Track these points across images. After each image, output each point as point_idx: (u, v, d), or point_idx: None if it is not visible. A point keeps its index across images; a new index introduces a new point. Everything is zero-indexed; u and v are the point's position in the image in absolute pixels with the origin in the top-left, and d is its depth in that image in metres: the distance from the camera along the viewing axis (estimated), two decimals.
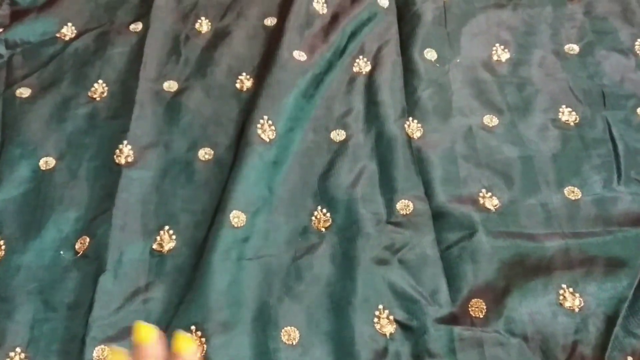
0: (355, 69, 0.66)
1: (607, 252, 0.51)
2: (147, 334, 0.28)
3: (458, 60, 0.67)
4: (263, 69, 0.64)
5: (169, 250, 0.52)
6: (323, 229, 0.53)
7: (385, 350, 0.46)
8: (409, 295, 0.49)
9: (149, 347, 0.28)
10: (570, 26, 0.70)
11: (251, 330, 0.47)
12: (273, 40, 0.67)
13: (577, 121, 0.62)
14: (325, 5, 0.70)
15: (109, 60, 0.66)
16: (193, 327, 0.46)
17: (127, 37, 0.68)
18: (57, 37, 0.69)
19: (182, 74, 0.65)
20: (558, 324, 0.48)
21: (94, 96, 0.63)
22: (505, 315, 0.48)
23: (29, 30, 0.69)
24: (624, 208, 0.54)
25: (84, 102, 0.63)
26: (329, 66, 0.65)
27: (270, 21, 0.70)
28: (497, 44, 0.69)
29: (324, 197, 0.55)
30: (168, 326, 0.47)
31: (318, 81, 0.64)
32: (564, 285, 0.49)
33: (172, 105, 0.62)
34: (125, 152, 0.57)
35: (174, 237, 0.53)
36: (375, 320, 0.48)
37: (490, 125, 0.62)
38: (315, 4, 0.70)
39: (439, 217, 0.54)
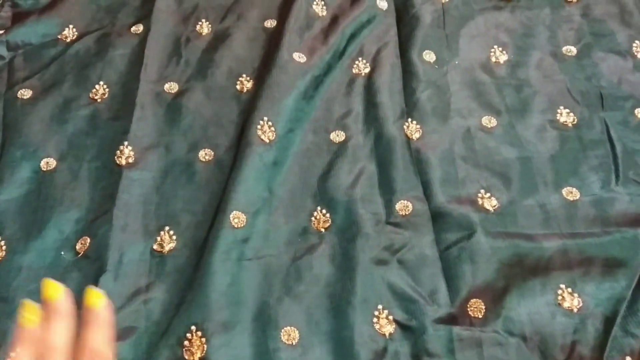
0: (354, 71, 0.66)
1: (605, 253, 0.51)
2: (55, 290, 0.29)
3: (456, 62, 0.67)
4: (263, 71, 0.65)
5: (170, 251, 0.52)
6: (322, 230, 0.53)
7: (384, 350, 0.47)
8: (408, 295, 0.49)
9: (57, 303, 0.29)
10: (567, 28, 0.71)
11: (251, 330, 0.47)
12: (273, 42, 0.67)
13: (575, 122, 0.62)
14: (324, 7, 0.70)
15: (110, 62, 0.66)
16: (193, 327, 0.46)
17: (128, 39, 0.69)
18: (58, 39, 0.70)
19: (183, 76, 0.65)
20: (556, 324, 0.48)
21: (95, 97, 0.64)
22: (504, 316, 0.48)
23: (30, 32, 0.69)
24: (622, 209, 0.55)
25: (85, 104, 0.63)
26: (329, 68, 0.66)
27: (270, 23, 0.70)
28: (495, 46, 0.69)
29: (324, 197, 0.56)
30: (168, 326, 0.47)
31: (318, 83, 0.64)
32: (562, 286, 0.50)
33: (173, 107, 0.63)
34: (126, 153, 0.57)
35: (174, 237, 0.53)
36: (375, 320, 0.48)
37: (489, 127, 0.62)
38: (314, 6, 0.70)
39: (437, 217, 0.54)
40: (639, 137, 0.60)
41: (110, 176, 0.57)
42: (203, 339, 0.46)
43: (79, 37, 0.70)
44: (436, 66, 0.67)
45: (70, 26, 0.71)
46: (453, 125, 0.61)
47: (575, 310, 0.48)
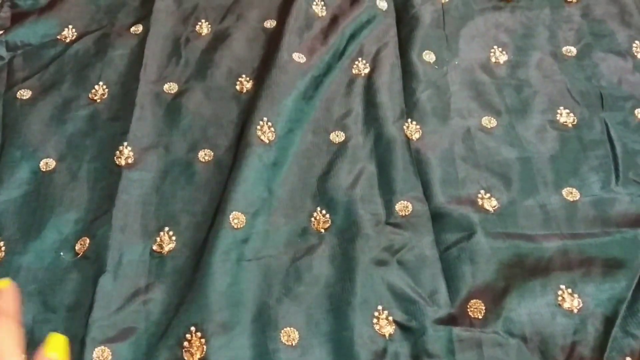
0: (354, 71, 0.66)
1: (605, 253, 0.51)
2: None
3: (456, 62, 0.67)
4: (263, 71, 0.65)
5: (169, 251, 0.52)
6: (322, 230, 0.53)
7: (384, 351, 0.47)
8: (408, 296, 0.49)
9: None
10: (567, 28, 0.71)
11: (251, 331, 0.47)
12: (273, 42, 0.67)
13: (575, 123, 0.62)
14: (324, 7, 0.70)
15: (110, 62, 0.66)
16: (193, 328, 0.46)
17: (128, 39, 0.68)
18: (57, 39, 0.70)
19: (183, 76, 0.65)
20: (557, 325, 0.48)
21: (95, 98, 0.64)
22: (504, 316, 0.48)
23: (29, 33, 0.69)
24: (622, 209, 0.55)
25: (84, 104, 0.63)
26: (328, 68, 0.66)
27: (270, 24, 0.70)
28: (495, 46, 0.69)
29: (323, 198, 0.55)
30: (168, 327, 0.47)
31: (317, 83, 0.64)
32: (562, 286, 0.49)
33: (172, 107, 0.62)
34: (126, 154, 0.57)
35: (173, 238, 0.53)
36: (375, 321, 0.48)
37: (489, 127, 0.62)
38: (314, 7, 0.70)
39: (437, 218, 0.54)
40: (639, 138, 0.60)
41: (109, 177, 0.56)
42: (202, 340, 0.46)
43: (79, 38, 0.69)
44: (436, 66, 0.67)
45: (70, 26, 0.70)
46: (453, 126, 0.61)
47: (575, 310, 0.48)
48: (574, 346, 0.47)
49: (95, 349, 0.46)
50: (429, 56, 0.67)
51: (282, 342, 0.47)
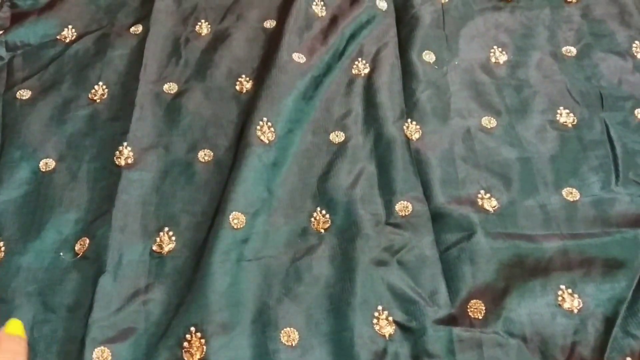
0: (354, 71, 0.66)
1: (605, 253, 0.51)
2: None
3: (456, 62, 0.67)
4: (262, 71, 0.65)
5: (169, 252, 0.52)
6: (322, 230, 0.53)
7: (384, 351, 0.47)
8: (408, 296, 0.49)
9: None
10: (567, 28, 0.71)
11: (251, 331, 0.47)
12: (272, 42, 0.67)
13: (575, 123, 0.62)
14: (324, 7, 0.70)
15: (109, 63, 0.66)
16: (193, 328, 0.46)
17: (128, 39, 0.68)
18: (57, 39, 0.70)
19: (182, 76, 0.65)
20: (557, 325, 0.48)
21: (94, 98, 0.64)
22: (504, 316, 0.48)
23: (29, 33, 0.69)
24: (622, 209, 0.55)
25: (84, 104, 0.63)
26: (328, 68, 0.66)
27: (270, 24, 0.70)
28: (495, 46, 0.69)
29: (323, 198, 0.55)
30: (167, 327, 0.47)
31: (317, 83, 0.64)
32: (562, 286, 0.49)
33: (172, 107, 0.62)
34: (125, 154, 0.57)
35: (173, 238, 0.53)
36: (375, 321, 0.48)
37: (489, 127, 0.62)
38: (314, 7, 0.70)
39: (437, 218, 0.54)
40: (639, 138, 0.60)
41: (109, 177, 0.56)
42: (202, 340, 0.46)
43: (78, 38, 0.69)
44: (436, 66, 0.67)
45: (70, 26, 0.70)
46: (453, 126, 0.61)
47: (575, 311, 0.48)
48: (574, 346, 0.47)
49: (95, 349, 0.46)
50: (429, 56, 0.67)
51: (282, 342, 0.47)
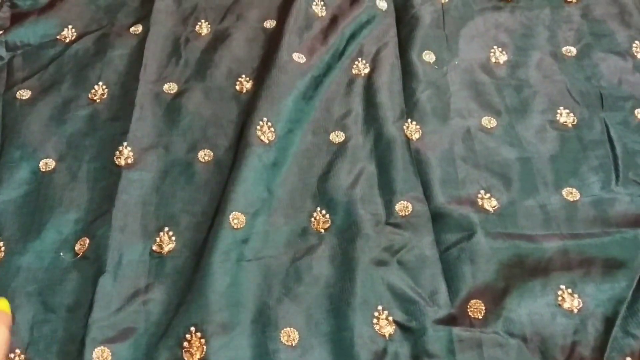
0: (354, 71, 0.66)
1: (605, 253, 0.51)
2: None
3: (456, 62, 0.67)
4: (262, 71, 0.65)
5: (169, 252, 0.52)
6: (322, 230, 0.53)
7: (384, 351, 0.47)
8: (408, 296, 0.49)
9: None
10: (567, 28, 0.71)
11: (251, 331, 0.47)
12: (272, 42, 0.67)
13: (575, 123, 0.62)
14: (324, 7, 0.70)
15: (109, 63, 0.66)
16: (193, 328, 0.46)
17: (128, 39, 0.68)
18: (57, 39, 0.70)
19: (182, 76, 0.65)
20: (557, 325, 0.48)
21: (94, 98, 0.64)
22: (504, 316, 0.48)
23: (29, 33, 0.69)
24: (622, 209, 0.55)
25: (84, 104, 0.63)
26: (328, 68, 0.66)
27: (270, 24, 0.70)
28: (495, 46, 0.69)
29: (323, 198, 0.55)
30: (167, 327, 0.47)
31: (317, 83, 0.64)
32: (562, 286, 0.49)
33: (172, 107, 0.62)
34: (125, 154, 0.57)
35: (173, 238, 0.53)
36: (375, 321, 0.48)
37: (489, 127, 0.62)
38: (314, 7, 0.70)
39: (437, 218, 0.54)
40: (639, 138, 0.60)
41: (109, 177, 0.56)
42: (202, 340, 0.46)
43: (78, 38, 0.69)
44: (436, 66, 0.67)
45: (69, 26, 0.70)
46: (453, 126, 0.61)
47: (575, 311, 0.48)
48: (574, 346, 0.47)
49: (95, 349, 0.46)
50: (429, 56, 0.67)
51: (282, 342, 0.47)
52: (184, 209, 0.55)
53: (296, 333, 0.47)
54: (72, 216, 0.54)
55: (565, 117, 0.62)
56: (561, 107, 0.63)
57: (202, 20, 0.71)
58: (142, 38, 0.68)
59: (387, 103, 0.62)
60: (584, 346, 0.47)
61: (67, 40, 0.69)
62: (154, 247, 0.52)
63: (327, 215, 0.54)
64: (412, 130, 0.61)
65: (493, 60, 0.68)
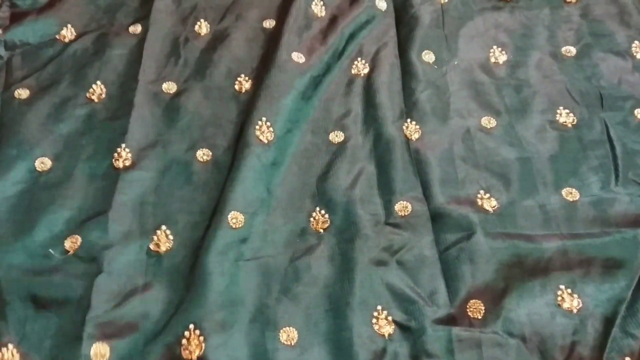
0: (353, 71, 0.66)
1: (604, 253, 0.51)
2: None
3: (456, 62, 0.67)
4: (262, 71, 0.65)
5: (166, 251, 0.52)
6: (321, 230, 0.53)
7: (383, 351, 0.46)
8: (408, 296, 0.49)
9: None
10: (567, 28, 0.71)
11: (249, 330, 0.47)
12: (272, 42, 0.67)
13: (574, 123, 0.62)
14: (323, 7, 0.70)
15: (108, 62, 0.66)
16: (191, 327, 0.46)
17: (126, 39, 0.68)
18: (56, 38, 0.70)
19: (181, 76, 0.65)
20: (556, 325, 0.48)
21: (92, 97, 0.64)
22: (504, 316, 0.48)
23: (28, 32, 0.69)
24: (622, 209, 0.55)
25: (82, 103, 0.63)
26: (328, 68, 0.66)
27: (269, 23, 0.70)
28: (495, 46, 0.69)
29: (323, 198, 0.55)
30: (166, 325, 0.47)
31: (316, 83, 0.64)
32: (562, 286, 0.49)
33: (171, 107, 0.62)
34: (124, 156, 0.57)
35: (170, 237, 0.53)
36: (374, 321, 0.48)
37: (488, 127, 0.62)
38: (313, 7, 0.70)
39: (437, 218, 0.54)
40: (639, 138, 0.60)
41: (106, 176, 0.56)
42: (201, 338, 0.46)
43: (77, 37, 0.69)
44: (435, 66, 0.67)
45: (69, 26, 0.70)
46: (452, 126, 0.61)
47: (575, 311, 0.48)
48: (574, 346, 0.47)
49: (94, 345, 0.45)
50: (429, 56, 0.67)
51: (281, 341, 0.46)
52: (182, 208, 0.55)
53: (295, 332, 0.47)
54: (64, 215, 0.54)
55: (565, 117, 0.62)
56: (561, 107, 0.63)
57: (202, 20, 0.71)
58: (141, 38, 0.68)
59: (386, 103, 0.62)
60: (583, 346, 0.47)
61: (66, 40, 0.69)
62: (151, 246, 0.52)
63: (326, 215, 0.54)
64: (412, 130, 0.61)
65: (492, 60, 0.68)
